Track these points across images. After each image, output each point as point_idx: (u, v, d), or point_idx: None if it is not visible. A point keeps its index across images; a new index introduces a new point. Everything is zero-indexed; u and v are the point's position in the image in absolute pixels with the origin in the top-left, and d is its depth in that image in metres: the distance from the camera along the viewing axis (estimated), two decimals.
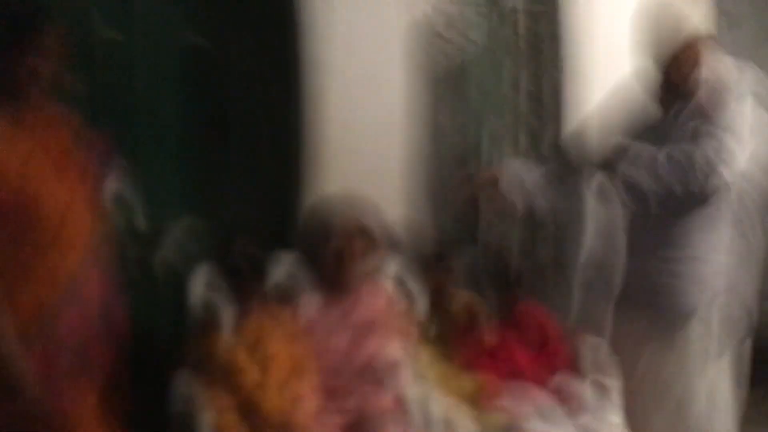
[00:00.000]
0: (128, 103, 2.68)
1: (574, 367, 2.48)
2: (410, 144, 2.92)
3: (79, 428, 2.03)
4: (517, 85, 3.17)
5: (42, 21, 1.93)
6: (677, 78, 2.40)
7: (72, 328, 2.01)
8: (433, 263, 2.52)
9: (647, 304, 2.45)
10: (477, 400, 2.31)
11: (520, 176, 2.48)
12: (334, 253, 2.30)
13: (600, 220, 2.56)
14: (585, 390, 2.44)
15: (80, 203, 2.02)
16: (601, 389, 2.43)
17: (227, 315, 2.23)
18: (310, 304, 2.33)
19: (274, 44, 2.81)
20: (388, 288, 2.44)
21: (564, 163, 2.61)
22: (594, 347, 2.45)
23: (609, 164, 2.37)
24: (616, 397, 2.41)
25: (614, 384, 2.43)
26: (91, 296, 2.07)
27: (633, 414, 2.46)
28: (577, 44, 3.01)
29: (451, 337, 2.50)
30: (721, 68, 2.41)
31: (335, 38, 2.72)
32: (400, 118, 2.84)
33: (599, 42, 3.01)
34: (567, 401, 2.37)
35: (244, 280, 2.15)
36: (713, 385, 2.49)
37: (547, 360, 2.49)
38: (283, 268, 2.43)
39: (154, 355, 2.29)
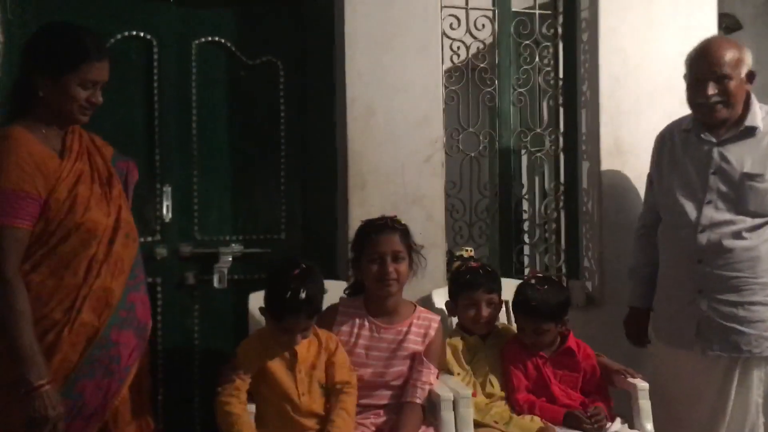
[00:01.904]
0: (186, 132, 2.84)
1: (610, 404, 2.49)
2: (448, 176, 3.02)
3: None
4: (553, 120, 3.25)
5: (100, 54, 2.05)
6: (720, 116, 2.47)
7: (126, 349, 2.11)
8: (479, 294, 2.54)
9: (726, 349, 2.46)
10: None
11: None
12: (377, 277, 2.35)
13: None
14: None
15: (124, 224, 2.13)
16: (634, 396, 2.44)
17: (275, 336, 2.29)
18: (357, 327, 2.39)
19: (323, 83, 2.95)
20: (435, 319, 2.47)
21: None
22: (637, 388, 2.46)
23: None
24: (646, 404, 2.42)
25: (645, 389, 2.43)
26: (140, 318, 2.17)
27: None
28: (608, 81, 3.09)
29: (492, 366, 2.53)
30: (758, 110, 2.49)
31: (381, 76, 2.85)
32: (438, 150, 2.93)
33: (626, 83, 3.09)
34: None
35: (298, 305, 2.19)
36: None
37: (587, 400, 2.48)
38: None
39: (209, 368, 2.37)
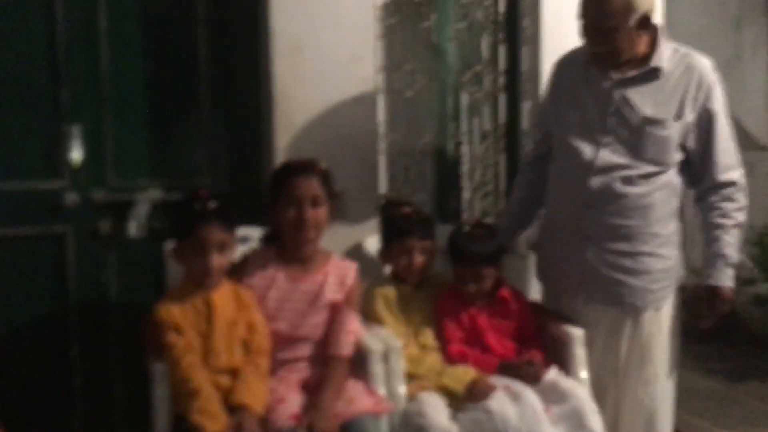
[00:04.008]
0: (95, 67, 2.60)
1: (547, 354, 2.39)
2: (383, 115, 2.88)
3: None
4: (493, 60, 3.11)
5: None
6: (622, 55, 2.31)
7: None
8: (413, 241, 2.42)
9: (609, 301, 2.38)
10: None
11: None
12: (294, 222, 2.21)
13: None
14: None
15: None
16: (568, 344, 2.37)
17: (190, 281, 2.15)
18: (270, 279, 2.26)
19: (245, 16, 2.73)
20: (352, 267, 2.34)
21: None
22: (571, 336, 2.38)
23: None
24: (581, 352, 2.35)
25: (580, 337, 2.36)
26: None
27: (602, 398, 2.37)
28: (551, 15, 2.94)
29: (426, 317, 2.43)
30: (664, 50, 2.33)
31: (308, 9, 2.66)
32: (371, 89, 2.77)
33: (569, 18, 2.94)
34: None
35: (209, 213, 2.09)
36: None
37: (522, 348, 2.41)
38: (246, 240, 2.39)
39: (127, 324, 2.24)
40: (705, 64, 2.35)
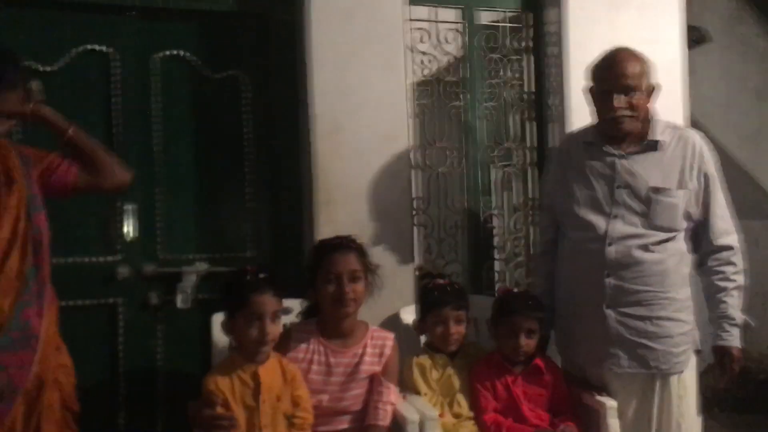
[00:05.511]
0: (148, 149, 2.79)
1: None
2: (417, 190, 3.00)
3: None
4: (522, 136, 3.24)
5: (9, 59, 1.99)
6: (625, 128, 2.43)
7: (19, 371, 1.97)
8: (447, 311, 2.50)
9: (636, 366, 2.42)
10: None
11: None
12: (334, 297, 2.30)
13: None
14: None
15: (22, 236, 1.98)
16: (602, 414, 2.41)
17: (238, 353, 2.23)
18: (311, 353, 2.33)
19: (288, 100, 2.91)
20: (390, 337, 2.42)
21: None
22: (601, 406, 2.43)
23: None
24: (615, 423, 2.39)
25: (614, 408, 2.40)
26: (35, 332, 2.02)
27: None
28: (576, 94, 3.05)
29: (460, 386, 2.48)
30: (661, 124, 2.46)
31: (347, 92, 2.82)
32: (406, 165, 2.91)
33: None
34: None
35: (261, 282, 2.18)
36: None
37: (556, 418, 2.44)
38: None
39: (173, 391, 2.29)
40: (696, 135, 2.51)
